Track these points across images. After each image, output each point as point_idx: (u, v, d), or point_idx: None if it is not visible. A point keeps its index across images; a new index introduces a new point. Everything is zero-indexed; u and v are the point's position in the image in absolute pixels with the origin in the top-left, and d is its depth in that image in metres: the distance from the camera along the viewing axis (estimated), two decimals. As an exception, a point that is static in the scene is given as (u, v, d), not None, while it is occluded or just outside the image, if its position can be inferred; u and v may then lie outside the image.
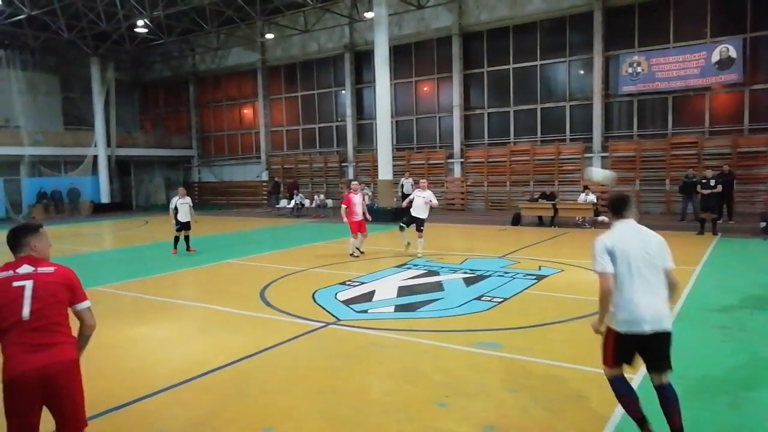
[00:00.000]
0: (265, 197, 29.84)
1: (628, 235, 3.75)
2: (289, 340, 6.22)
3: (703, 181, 14.43)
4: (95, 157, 29.64)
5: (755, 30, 18.62)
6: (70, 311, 3.19)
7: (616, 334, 3.70)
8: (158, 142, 33.28)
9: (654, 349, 3.68)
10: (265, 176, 30.88)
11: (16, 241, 3.20)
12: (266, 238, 16.77)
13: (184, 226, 13.20)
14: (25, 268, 3.10)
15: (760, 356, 5.49)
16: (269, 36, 28.28)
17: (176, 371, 5.30)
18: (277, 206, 25.41)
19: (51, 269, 3.17)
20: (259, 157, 31.31)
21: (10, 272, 3.07)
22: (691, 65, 19.48)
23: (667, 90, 20.18)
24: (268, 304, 7.94)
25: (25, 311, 2.98)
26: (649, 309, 3.59)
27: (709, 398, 4.48)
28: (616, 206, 3.89)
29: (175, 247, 13.22)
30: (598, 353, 5.61)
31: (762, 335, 6.17)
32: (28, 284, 3.04)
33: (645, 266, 3.67)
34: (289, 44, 29.22)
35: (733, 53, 18.75)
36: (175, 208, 13.06)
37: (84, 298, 3.26)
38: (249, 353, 5.78)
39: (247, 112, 32.41)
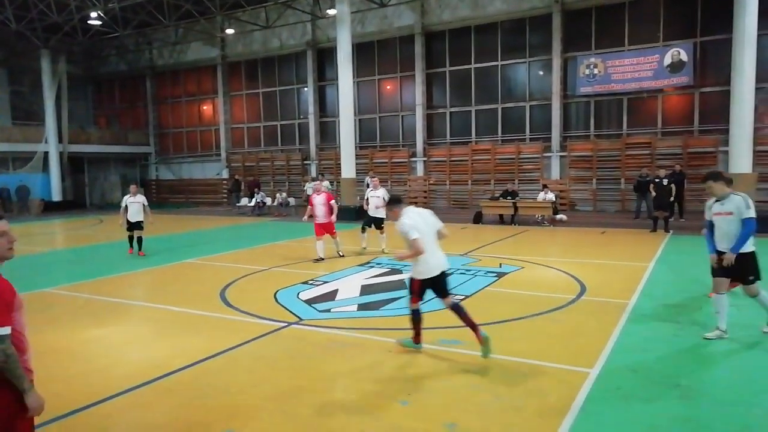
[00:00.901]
0: (225, 195, 29.35)
1: (416, 213, 5.66)
2: (250, 340, 6.14)
3: (657, 180, 14.95)
4: (46, 153, 28.53)
5: (705, 35, 19.38)
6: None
7: (420, 281, 5.55)
8: (113, 138, 32.26)
9: (441, 283, 5.58)
10: (225, 174, 30.36)
11: None
12: (226, 237, 16.49)
13: (134, 226, 12.48)
14: None
15: (710, 349, 5.72)
16: (229, 31, 27.81)
17: (134, 374, 5.16)
18: (237, 205, 25.02)
19: None
20: (219, 155, 30.76)
21: None
22: (645, 68, 20.13)
23: (622, 91, 20.80)
24: (228, 304, 7.81)
25: None
26: (437, 260, 5.52)
27: (661, 391, 4.64)
28: (397, 201, 5.88)
29: (131, 246, 12.71)
30: (558, 349, 5.76)
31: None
32: None
33: (429, 233, 5.56)
34: (250, 40, 28.79)
35: (684, 57, 19.47)
36: (126, 207, 12.42)
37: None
38: (209, 354, 5.67)
39: (207, 108, 31.77)
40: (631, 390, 4.65)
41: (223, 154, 30.53)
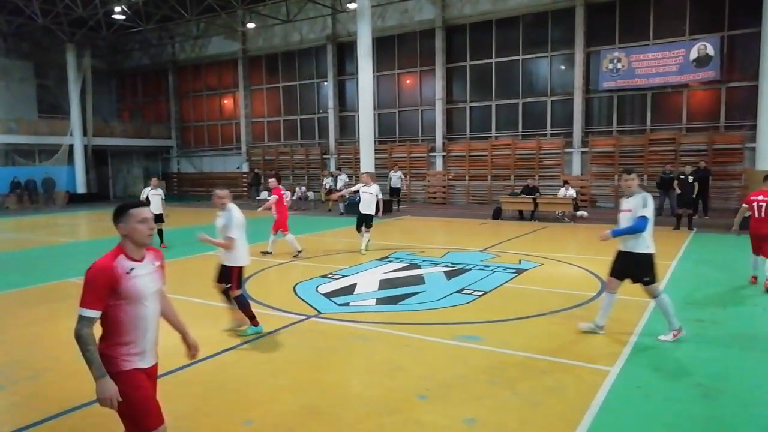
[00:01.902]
0: (246, 189, 29.59)
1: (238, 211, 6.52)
2: (270, 333, 6.20)
3: (681, 177, 14.69)
4: (71, 146, 29.05)
5: (732, 28, 18.94)
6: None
7: (239, 268, 6.28)
8: (136, 131, 32.74)
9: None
10: (245, 167, 30.60)
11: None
12: (246, 230, 16.59)
13: (156, 219, 12.71)
14: None
15: (731, 349, 5.63)
16: (250, 25, 27.95)
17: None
18: (257, 198, 25.21)
19: None
20: (240, 148, 31.00)
21: None
22: (670, 62, 19.75)
23: (646, 86, 20.45)
24: (249, 297, 7.88)
25: None
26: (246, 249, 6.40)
27: (683, 389, 4.58)
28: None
29: (162, 240, 12.74)
30: (577, 347, 5.72)
31: (733, 329, 6.32)
32: None
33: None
34: (271, 34, 28.92)
35: (710, 51, 19.06)
36: (147, 199, 12.47)
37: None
38: (229, 346, 5.75)
39: (228, 102, 32.04)
40: (652, 388, 4.60)
41: (244, 148, 30.78)
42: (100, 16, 25.62)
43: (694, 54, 19.33)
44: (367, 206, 11.67)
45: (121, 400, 2.76)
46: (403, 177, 22.35)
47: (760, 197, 8.20)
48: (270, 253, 11.31)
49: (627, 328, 6.15)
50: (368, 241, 11.72)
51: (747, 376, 4.96)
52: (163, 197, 12.97)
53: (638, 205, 5.70)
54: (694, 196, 14.73)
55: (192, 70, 32.77)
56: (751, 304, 7.52)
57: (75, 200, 28.24)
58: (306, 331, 6.36)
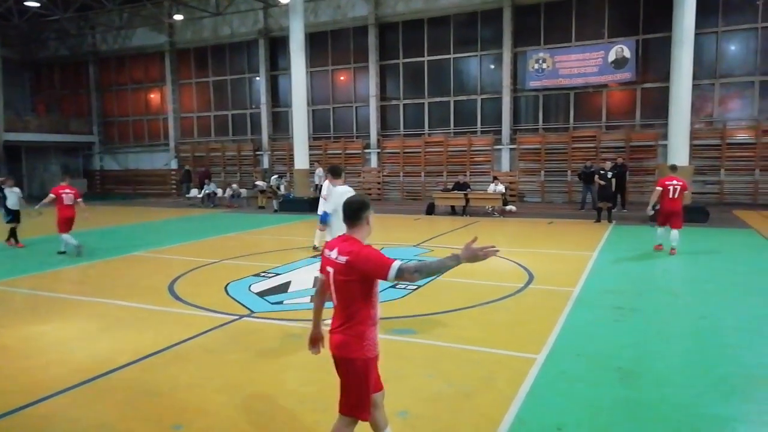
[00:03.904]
0: (174, 186, 28.58)
1: None
2: (200, 334, 6.03)
3: (601, 172, 15.51)
4: (-21, 141, 26.97)
5: (647, 32, 20.16)
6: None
7: None
8: (53, 126, 30.74)
9: None
10: (174, 164, 29.53)
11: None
12: (175, 229, 16.07)
13: (15, 217, 12.36)
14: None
15: (648, 334, 6.01)
16: (178, 17, 26.93)
17: (76, 371, 4.98)
18: (187, 196, 24.40)
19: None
20: (168, 145, 29.86)
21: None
22: (591, 63, 20.77)
23: (569, 86, 21.41)
24: (177, 298, 7.64)
25: None
26: None
27: (604, 373, 4.85)
28: None
29: (17, 240, 12.33)
30: (507, 336, 5.92)
31: (650, 314, 6.75)
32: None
33: None
34: (200, 27, 28.00)
35: (627, 53, 20.19)
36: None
37: None
38: (157, 349, 5.54)
39: (154, 96, 30.75)
40: (576, 374, 4.84)
41: (172, 144, 29.67)
42: (10, 3, 23.90)
43: (612, 56, 20.42)
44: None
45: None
46: (323, 174, 22.40)
47: (674, 182, 10.31)
48: (64, 252, 11.05)
49: (553, 316, 6.44)
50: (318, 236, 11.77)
51: (661, 358, 5.32)
52: (21, 196, 12.71)
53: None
54: (613, 190, 15.60)
55: (115, 62, 31.20)
56: (664, 291, 8.06)
57: (-16, 200, 26.19)
58: (238, 331, 6.23)
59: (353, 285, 3.00)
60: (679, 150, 15.67)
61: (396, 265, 2.88)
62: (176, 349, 5.60)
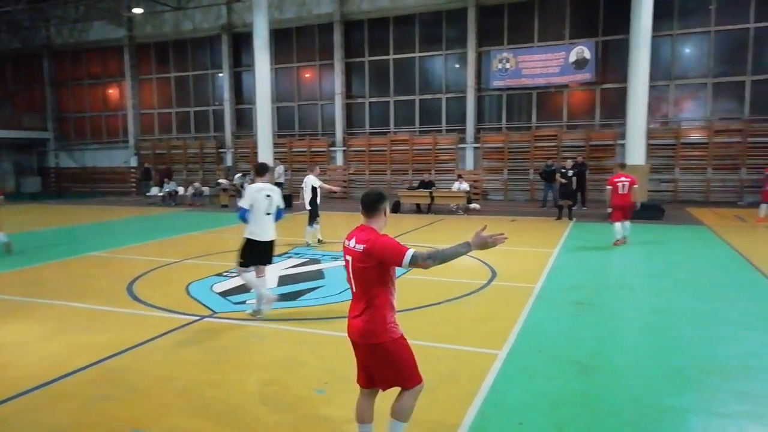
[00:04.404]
0: (134, 184, 27.87)
1: None
2: (160, 335, 5.90)
3: (562, 170, 15.85)
4: (-76, 137, 25.73)
5: (606, 34, 20.68)
6: None
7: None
8: (5, 122, 29.54)
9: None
10: (133, 162, 28.79)
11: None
12: (135, 228, 15.68)
13: None
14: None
15: (606, 328, 6.17)
16: (137, 11, 26.24)
17: (30, 376, 4.81)
18: (147, 194, 23.83)
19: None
20: (127, 142, 29.11)
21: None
22: (552, 64, 21.18)
23: (531, 86, 21.78)
24: (136, 298, 7.45)
25: None
26: None
27: (563, 368, 4.96)
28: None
29: None
30: (470, 333, 5.98)
31: (608, 309, 6.94)
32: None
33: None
34: (160, 21, 27.37)
35: (587, 54, 20.67)
36: None
37: None
38: (115, 352, 5.39)
39: (113, 92, 29.93)
40: (536, 369, 4.93)
41: (132, 141, 28.93)
42: (-43, -8, 22.88)
43: (573, 57, 20.87)
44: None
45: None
46: (284, 171, 22.33)
47: (622, 179, 11.26)
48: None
49: (515, 313, 6.54)
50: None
51: (618, 352, 5.47)
52: None
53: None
54: (573, 188, 15.96)
55: (71, 56, 30.19)
56: (622, 286, 8.29)
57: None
58: (200, 332, 6.12)
59: (371, 272, 3.16)
60: (636, 149, 16.15)
61: (410, 252, 3.07)
62: (134, 351, 5.47)
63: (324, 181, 12.07)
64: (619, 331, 6.13)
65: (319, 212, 11.89)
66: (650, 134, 18.84)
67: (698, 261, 10.00)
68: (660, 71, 19.93)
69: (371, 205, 3.29)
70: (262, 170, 6.62)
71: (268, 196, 6.36)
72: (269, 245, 6.49)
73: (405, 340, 3.32)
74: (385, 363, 3.23)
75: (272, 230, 6.49)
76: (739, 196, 19.45)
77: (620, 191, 11.23)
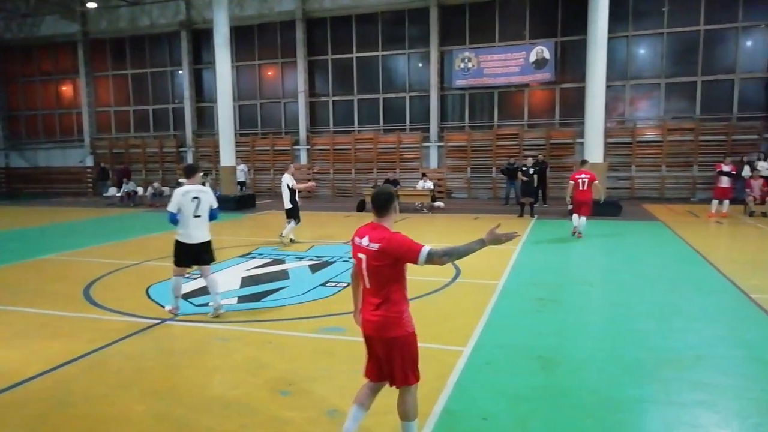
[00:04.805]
0: (90, 185, 27.02)
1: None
2: (119, 340, 5.73)
3: (524, 168, 16.13)
4: None
5: (565, 35, 21.12)
6: None
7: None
8: (-50, 120, 28.27)
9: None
10: (89, 162, 27.90)
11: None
12: (92, 230, 15.19)
13: None
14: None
15: (566, 323, 6.31)
16: (91, 5, 25.41)
17: (-23, 386, 4.60)
18: (104, 195, 23.13)
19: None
20: (82, 141, 28.18)
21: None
22: (513, 63, 21.51)
23: (493, 85, 22.07)
24: (94, 303, 7.22)
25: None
26: None
27: (526, 363, 5.04)
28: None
29: None
30: (435, 330, 6.02)
31: (568, 304, 7.09)
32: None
33: None
34: (116, 16, 26.58)
35: (547, 54, 21.07)
36: None
37: None
38: (71, 358, 5.21)
39: (66, 89, 28.91)
40: (500, 364, 5.00)
41: (87, 140, 28.02)
42: None
43: (533, 56, 21.24)
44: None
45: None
46: (246, 170, 22.11)
47: (582, 175, 11.86)
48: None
49: (478, 309, 6.62)
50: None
51: (579, 346, 5.60)
52: None
53: None
54: (535, 186, 16.26)
55: (21, 51, 29.01)
56: (582, 282, 8.49)
57: None
58: (160, 335, 5.98)
59: (386, 269, 3.26)
60: (594, 147, 16.53)
61: (426, 249, 3.16)
62: (92, 357, 5.29)
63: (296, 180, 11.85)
64: (580, 325, 6.27)
65: (300, 213, 11.82)
66: (608, 133, 19.35)
67: (654, 256, 10.32)
68: (616, 72, 20.48)
69: (383, 204, 3.38)
70: (189, 172, 6.58)
71: (195, 198, 6.33)
72: (200, 246, 6.45)
73: (416, 336, 3.44)
74: (398, 356, 3.34)
75: (203, 232, 6.45)
76: (692, 192, 20.18)
77: (581, 187, 11.80)
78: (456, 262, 9.27)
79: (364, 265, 3.34)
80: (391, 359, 3.36)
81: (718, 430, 3.86)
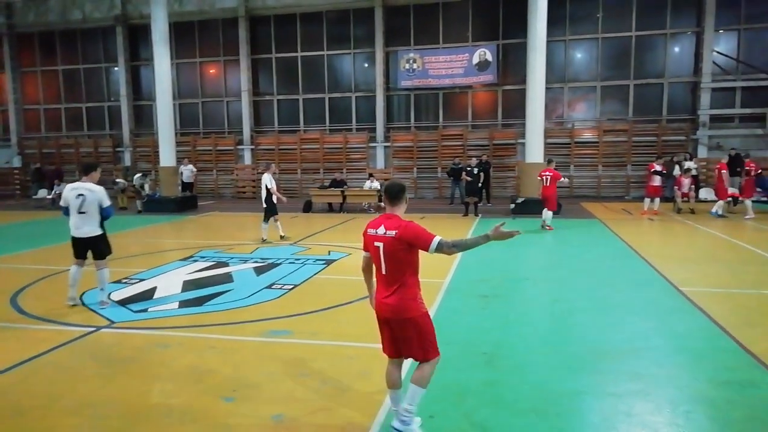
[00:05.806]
0: (18, 186, 25.54)
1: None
2: (50, 350, 5.43)
3: (468, 168, 16.40)
4: None
5: (506, 38, 21.64)
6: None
7: None
8: None
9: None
10: (17, 162, 26.35)
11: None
12: (20, 234, 14.35)
13: None
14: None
15: (510, 319, 6.45)
16: (17, -4, 24.02)
17: None
18: (34, 197, 21.91)
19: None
20: (9, 140, 26.58)
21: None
22: (457, 65, 21.87)
23: (438, 86, 22.36)
24: (21, 311, 6.81)
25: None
26: None
27: (470, 359, 5.12)
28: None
29: None
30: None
31: (511, 301, 7.27)
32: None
33: None
34: (45, 9, 25.21)
35: (489, 57, 21.53)
36: None
37: None
38: (-5, 371, 4.89)
39: (-9, 85, 27.19)
40: (446, 361, 5.00)
41: (14, 139, 26.46)
42: None
43: (476, 59, 21.66)
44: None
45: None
46: (194, 170, 21.50)
47: (546, 173, 13.09)
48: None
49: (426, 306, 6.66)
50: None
51: (521, 341, 5.73)
52: None
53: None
54: (479, 185, 16.58)
55: (-62, 44, 27.04)
56: (523, 278, 8.72)
57: None
58: (96, 344, 5.70)
59: (402, 254, 3.56)
60: (534, 148, 17.02)
61: (437, 239, 3.52)
62: (19, 369, 4.99)
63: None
64: (522, 320, 6.43)
65: (278, 210, 12.12)
66: (547, 133, 19.96)
67: (591, 252, 10.72)
68: (555, 74, 21.17)
69: (396, 194, 3.70)
70: (86, 169, 6.93)
71: (80, 195, 6.68)
72: (86, 241, 6.82)
73: (429, 315, 3.75)
74: (415, 335, 3.64)
75: (90, 227, 6.78)
76: (626, 191, 21.13)
77: (544, 183, 13.05)
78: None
79: (381, 252, 3.60)
80: (410, 339, 3.66)
81: (652, 417, 4.03)
